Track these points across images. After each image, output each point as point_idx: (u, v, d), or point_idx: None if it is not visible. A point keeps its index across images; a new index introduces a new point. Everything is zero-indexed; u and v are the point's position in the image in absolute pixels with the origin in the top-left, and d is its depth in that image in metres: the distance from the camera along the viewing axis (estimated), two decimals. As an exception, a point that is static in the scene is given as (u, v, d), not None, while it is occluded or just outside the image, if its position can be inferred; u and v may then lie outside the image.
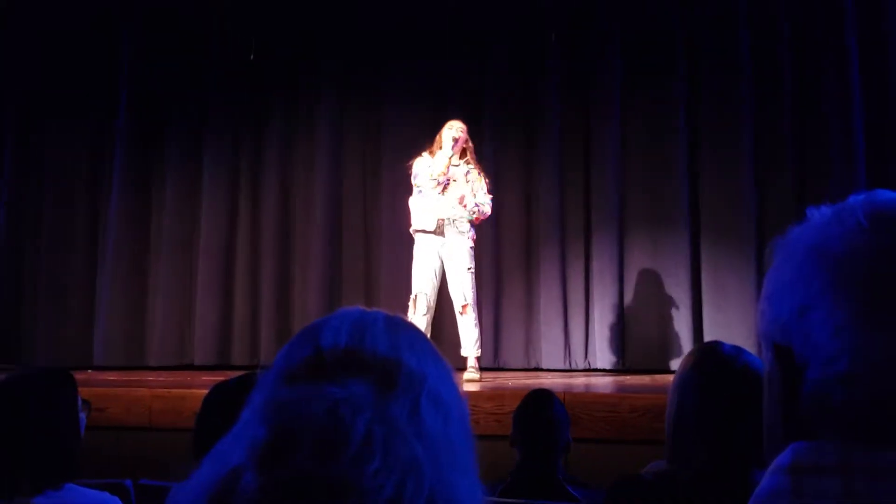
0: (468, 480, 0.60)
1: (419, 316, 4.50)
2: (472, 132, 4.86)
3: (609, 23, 5.64)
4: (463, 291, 4.54)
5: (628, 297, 5.50)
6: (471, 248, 4.58)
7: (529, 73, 5.78)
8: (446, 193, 4.58)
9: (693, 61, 5.53)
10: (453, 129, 4.63)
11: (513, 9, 5.80)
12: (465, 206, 4.56)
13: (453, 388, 0.65)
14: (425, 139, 5.71)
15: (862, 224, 0.62)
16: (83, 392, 1.89)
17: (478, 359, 4.59)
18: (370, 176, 6.00)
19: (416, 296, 4.55)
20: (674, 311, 5.39)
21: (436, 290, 4.59)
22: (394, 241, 5.77)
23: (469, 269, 4.55)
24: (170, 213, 6.08)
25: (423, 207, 4.58)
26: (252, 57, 6.07)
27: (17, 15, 6.20)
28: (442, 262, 4.58)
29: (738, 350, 1.41)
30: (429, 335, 4.52)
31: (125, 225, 6.07)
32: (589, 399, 3.55)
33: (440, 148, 4.62)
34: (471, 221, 4.59)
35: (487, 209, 4.64)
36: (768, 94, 5.39)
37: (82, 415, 1.83)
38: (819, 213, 0.66)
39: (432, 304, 4.57)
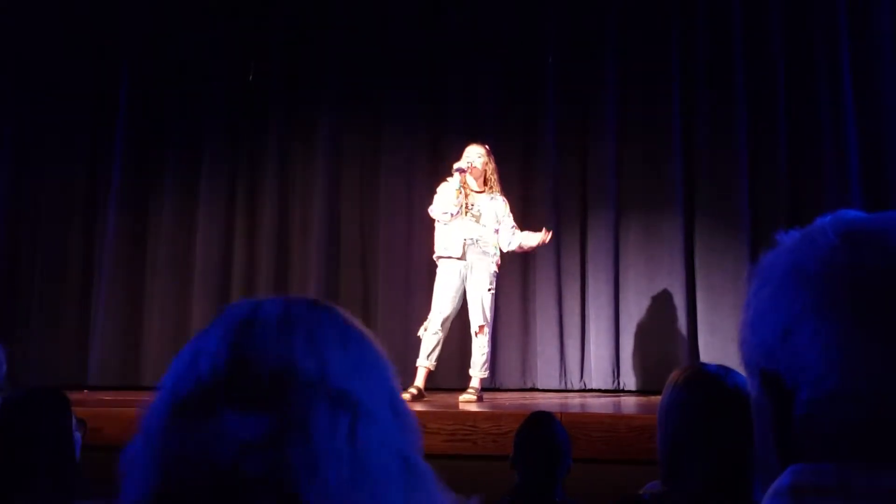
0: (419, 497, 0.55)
1: (430, 334, 4.51)
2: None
3: (606, 43, 5.69)
4: (482, 311, 4.51)
5: (623, 318, 5.50)
6: (494, 271, 4.58)
7: (528, 99, 5.82)
8: (468, 215, 4.55)
9: (689, 91, 5.59)
10: (463, 159, 4.61)
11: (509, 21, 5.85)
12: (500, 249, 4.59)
13: (369, 369, 0.58)
14: (423, 159, 5.75)
15: (834, 242, 0.62)
16: (78, 412, 1.88)
17: (482, 380, 4.58)
18: (367, 197, 6.00)
19: (431, 315, 4.55)
20: (669, 333, 5.40)
21: (455, 311, 4.58)
22: (391, 262, 5.78)
23: (490, 289, 4.54)
24: (166, 233, 6.07)
25: (448, 233, 4.58)
26: (251, 78, 6.10)
27: (19, 34, 6.23)
28: (464, 284, 4.57)
29: (725, 370, 1.42)
30: (437, 354, 4.52)
31: (121, 245, 6.05)
32: (586, 419, 3.53)
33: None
34: (500, 250, 4.60)
35: (512, 246, 4.63)
36: (762, 116, 5.44)
37: (77, 434, 1.82)
38: (788, 237, 0.66)
39: (448, 324, 4.56)
